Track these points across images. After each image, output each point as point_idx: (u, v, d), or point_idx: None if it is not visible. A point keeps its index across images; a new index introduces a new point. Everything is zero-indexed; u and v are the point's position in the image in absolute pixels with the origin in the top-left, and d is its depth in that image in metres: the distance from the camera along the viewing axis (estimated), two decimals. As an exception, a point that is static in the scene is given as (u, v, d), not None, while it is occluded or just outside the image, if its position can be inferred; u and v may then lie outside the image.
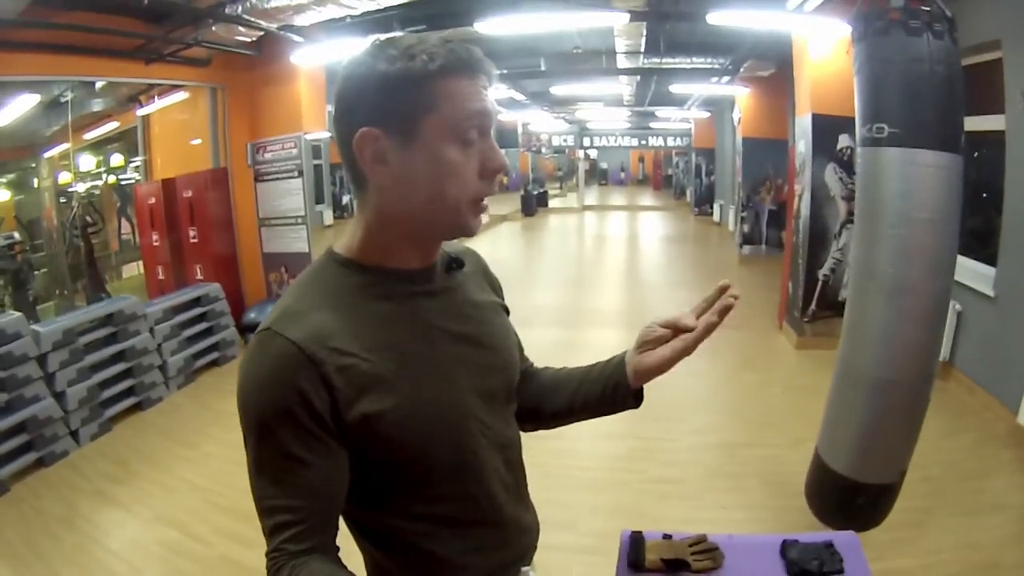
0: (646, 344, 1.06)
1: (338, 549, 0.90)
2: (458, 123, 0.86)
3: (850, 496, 2.63)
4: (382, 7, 4.27)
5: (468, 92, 0.86)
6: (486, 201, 0.95)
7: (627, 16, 4.91)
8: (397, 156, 0.87)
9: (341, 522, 0.94)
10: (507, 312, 1.16)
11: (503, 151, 0.95)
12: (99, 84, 6.96)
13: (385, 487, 0.94)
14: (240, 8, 4.40)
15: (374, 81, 0.85)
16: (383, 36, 0.89)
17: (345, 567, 0.86)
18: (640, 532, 1.65)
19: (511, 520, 1.07)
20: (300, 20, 4.52)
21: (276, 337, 0.85)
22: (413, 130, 0.86)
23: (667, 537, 1.66)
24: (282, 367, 0.83)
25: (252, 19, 4.52)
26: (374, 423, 0.87)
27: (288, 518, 0.84)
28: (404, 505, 0.96)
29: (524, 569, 1.10)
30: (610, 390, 1.11)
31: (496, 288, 1.17)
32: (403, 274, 0.95)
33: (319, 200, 6.41)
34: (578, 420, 1.19)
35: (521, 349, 1.19)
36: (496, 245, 13.24)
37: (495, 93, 0.94)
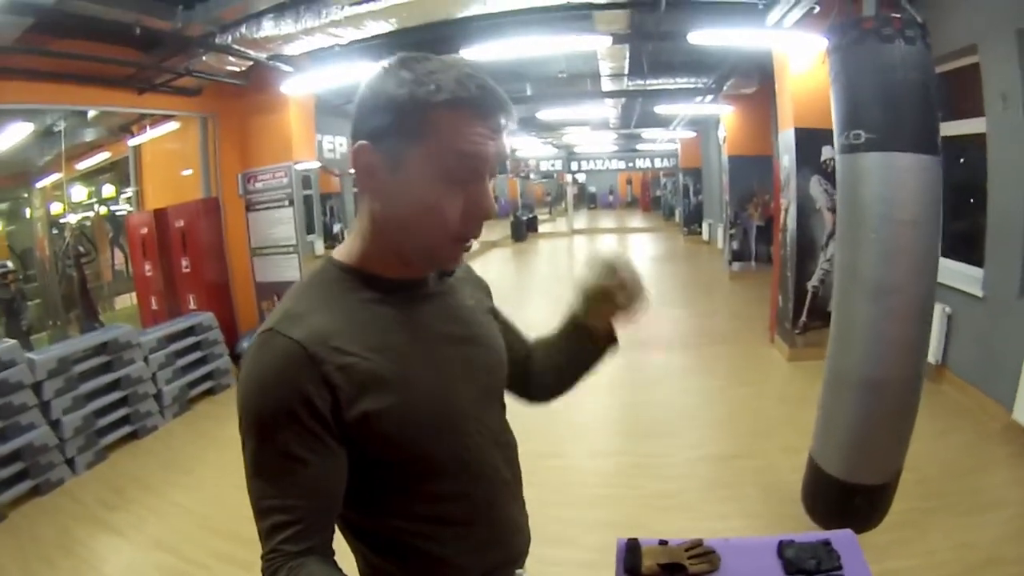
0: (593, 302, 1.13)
1: (334, 552, 0.90)
2: (445, 160, 0.85)
3: (845, 498, 2.64)
4: (370, 36, 4.34)
5: (464, 131, 0.85)
6: (471, 242, 0.95)
7: (610, 39, 5.00)
8: (385, 176, 0.88)
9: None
10: (496, 314, 1.19)
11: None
12: (91, 114, 7.00)
13: (384, 488, 0.95)
14: (230, 38, 4.47)
15: (380, 99, 0.86)
16: (410, 54, 0.88)
17: (340, 570, 0.86)
18: (636, 539, 1.65)
19: (508, 520, 1.09)
20: (289, 50, 4.59)
21: (278, 337, 0.86)
22: (402, 156, 0.86)
23: (663, 543, 1.66)
24: (285, 366, 0.84)
25: (242, 49, 4.59)
26: (374, 422, 0.88)
27: (286, 518, 0.84)
28: (403, 505, 0.97)
29: (519, 572, 1.11)
30: (586, 353, 1.18)
31: (484, 289, 1.20)
32: (398, 282, 0.97)
33: (310, 230, 6.41)
34: (574, 376, 1.24)
35: (521, 332, 1.23)
36: (487, 271, 13.11)
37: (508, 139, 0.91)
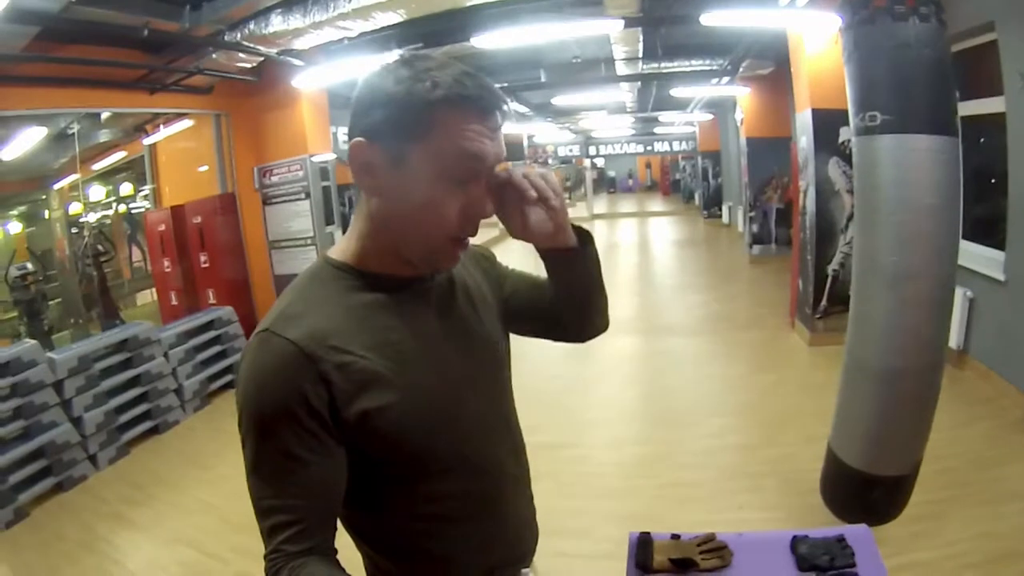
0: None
1: (336, 551, 0.90)
2: (447, 158, 0.85)
3: (865, 490, 2.60)
4: (379, 27, 4.32)
5: (464, 130, 0.85)
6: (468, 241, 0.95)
7: (622, 23, 4.93)
8: (385, 173, 0.88)
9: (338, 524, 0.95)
10: (503, 278, 1.18)
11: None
12: (104, 115, 7.08)
13: (386, 486, 0.95)
14: (239, 35, 4.47)
15: (378, 97, 0.86)
16: (409, 52, 0.89)
17: (343, 569, 0.86)
18: (648, 533, 1.64)
19: (513, 516, 1.09)
20: (299, 44, 4.58)
21: (274, 337, 0.86)
22: (403, 153, 0.86)
23: (675, 537, 1.65)
24: (282, 367, 0.84)
25: (251, 45, 4.59)
26: (373, 420, 0.87)
27: (287, 518, 0.84)
28: (405, 504, 0.97)
29: (524, 571, 1.10)
30: (570, 264, 1.07)
31: (487, 260, 1.19)
32: (396, 279, 0.96)
33: (329, 221, 6.44)
34: (584, 290, 1.13)
35: (538, 278, 1.18)
36: (508, 259, 13.13)
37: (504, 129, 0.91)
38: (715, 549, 1.59)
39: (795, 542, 1.58)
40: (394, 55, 0.91)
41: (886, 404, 2.48)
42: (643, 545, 1.61)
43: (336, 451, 0.88)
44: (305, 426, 0.84)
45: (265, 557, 0.85)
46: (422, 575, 1.02)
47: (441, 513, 0.99)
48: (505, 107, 0.88)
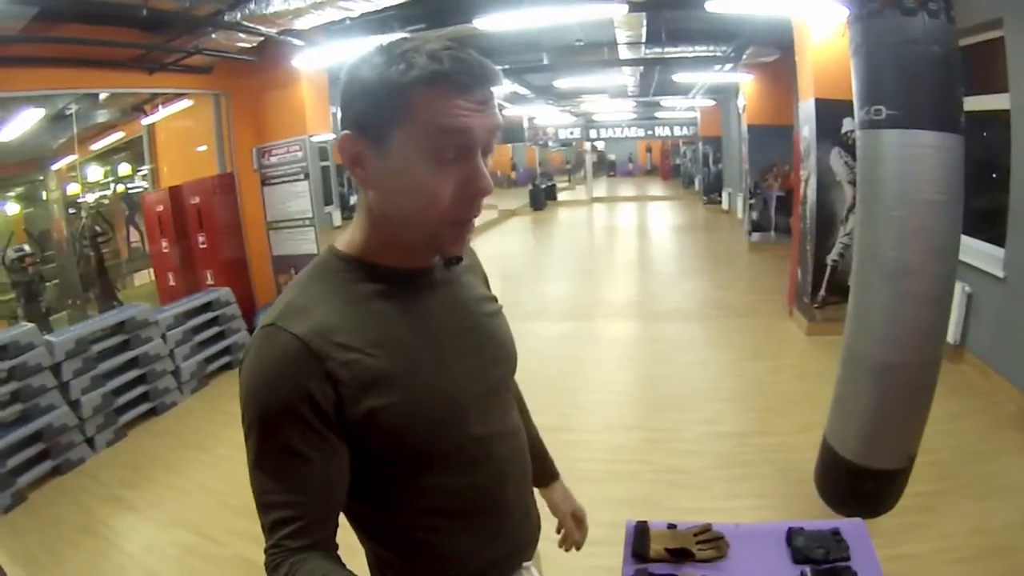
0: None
1: (337, 546, 0.89)
2: (428, 138, 0.82)
3: (858, 482, 2.61)
4: (380, 8, 4.27)
5: (444, 106, 0.81)
6: (474, 221, 0.93)
7: (626, 7, 4.89)
8: (373, 163, 0.86)
9: (341, 517, 0.94)
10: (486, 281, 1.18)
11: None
12: (103, 95, 7.02)
13: (387, 481, 0.95)
14: (239, 15, 4.41)
15: (357, 87, 0.85)
16: (388, 39, 0.86)
17: (344, 565, 0.86)
18: (645, 522, 1.66)
19: (514, 511, 1.09)
20: (299, 24, 4.52)
21: (280, 332, 0.85)
22: (386, 139, 0.84)
23: (672, 527, 1.66)
24: (287, 363, 0.83)
25: (252, 25, 4.53)
26: (379, 417, 0.87)
27: (288, 514, 0.84)
28: (406, 499, 0.96)
29: (526, 564, 1.11)
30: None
31: (486, 281, 1.18)
32: (402, 272, 0.95)
33: (327, 201, 6.38)
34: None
35: None
36: (506, 240, 13.24)
37: (498, 98, 0.87)
38: (711, 540, 1.60)
39: (791, 534, 1.60)
40: (387, 39, 0.87)
41: (882, 397, 2.48)
42: (640, 534, 1.63)
43: (339, 448, 0.87)
44: (309, 423, 0.83)
45: (266, 551, 0.84)
46: (423, 568, 1.02)
47: (443, 508, 0.99)
48: (493, 77, 0.85)
